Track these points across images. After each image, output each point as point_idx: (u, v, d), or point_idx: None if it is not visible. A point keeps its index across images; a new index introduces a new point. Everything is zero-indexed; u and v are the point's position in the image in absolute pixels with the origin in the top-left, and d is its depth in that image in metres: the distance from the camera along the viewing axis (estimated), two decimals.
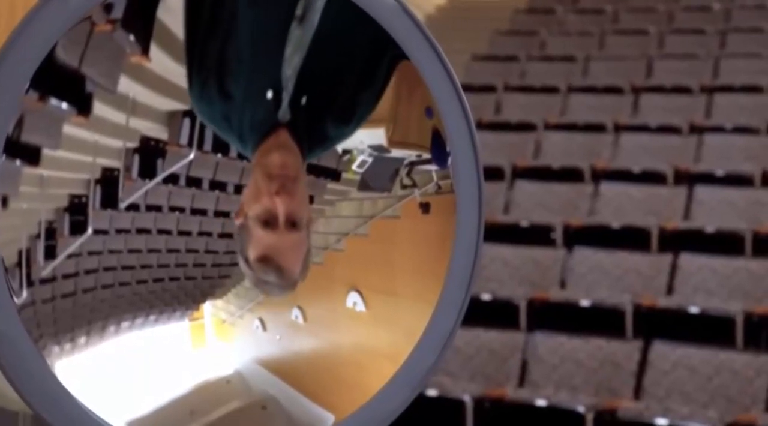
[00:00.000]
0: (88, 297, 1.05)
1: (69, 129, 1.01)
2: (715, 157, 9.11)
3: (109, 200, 1.04)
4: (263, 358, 1.13)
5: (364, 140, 1.09)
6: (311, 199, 1.09)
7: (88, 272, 1.05)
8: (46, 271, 1.01)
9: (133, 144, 1.05)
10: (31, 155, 0.98)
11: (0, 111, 0.92)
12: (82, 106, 1.01)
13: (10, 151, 0.94)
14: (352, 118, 1.07)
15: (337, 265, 1.12)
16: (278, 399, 1.10)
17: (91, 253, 1.04)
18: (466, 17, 13.98)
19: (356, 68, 1.07)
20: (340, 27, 1.05)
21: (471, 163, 1.01)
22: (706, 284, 7.13)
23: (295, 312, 1.12)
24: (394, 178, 1.10)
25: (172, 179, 1.07)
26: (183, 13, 1.03)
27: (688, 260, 7.26)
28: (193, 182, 1.08)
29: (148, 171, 1.06)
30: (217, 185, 1.08)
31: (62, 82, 0.99)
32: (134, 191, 1.05)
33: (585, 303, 6.76)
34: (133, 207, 1.06)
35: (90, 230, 1.03)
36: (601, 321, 6.62)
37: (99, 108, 1.02)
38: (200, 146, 1.07)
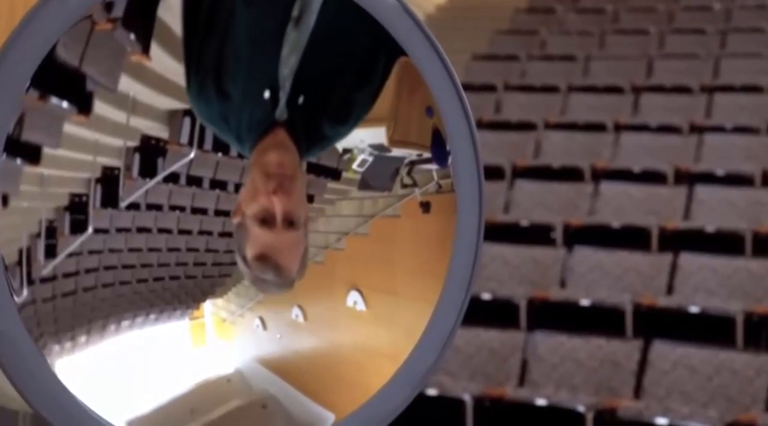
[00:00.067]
0: (88, 296, 1.05)
1: (69, 128, 1.01)
2: (715, 157, 9.10)
3: (110, 199, 1.04)
4: (264, 356, 1.13)
5: (364, 139, 1.09)
6: (311, 198, 1.10)
7: (88, 271, 1.05)
8: (47, 270, 1.01)
9: (134, 143, 1.05)
10: (32, 154, 0.98)
11: (0, 110, 0.92)
12: (83, 104, 1.01)
13: (10, 150, 0.94)
14: (349, 118, 1.07)
15: (338, 264, 1.12)
16: (279, 398, 1.10)
17: (91, 252, 1.04)
18: (467, 17, 13.98)
19: (353, 68, 1.07)
20: (337, 27, 1.05)
21: (471, 163, 1.01)
22: (706, 284, 7.13)
23: (296, 311, 1.12)
24: (395, 177, 1.10)
25: (173, 178, 1.07)
26: (181, 13, 1.04)
27: (688, 260, 7.26)
28: (194, 181, 1.08)
29: (148, 170, 1.06)
30: (217, 184, 1.08)
31: (63, 81, 0.99)
32: (135, 190, 1.05)
33: (585, 302, 6.75)
34: (133, 206, 1.06)
35: (90, 229, 1.03)
36: (601, 320, 6.62)
37: (99, 107, 1.02)
38: (201, 145, 1.07)
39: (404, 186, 1.10)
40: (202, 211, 1.09)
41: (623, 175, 8.69)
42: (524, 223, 8.00)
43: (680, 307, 6.63)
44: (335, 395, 1.07)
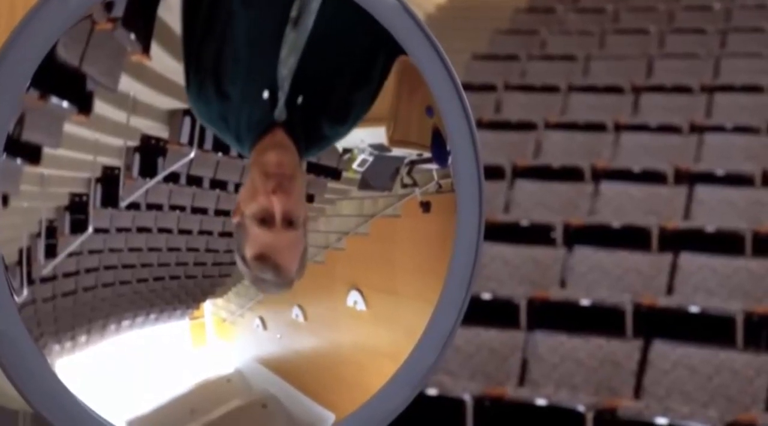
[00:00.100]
0: (88, 295, 1.05)
1: (70, 127, 1.01)
2: (715, 157, 9.10)
3: (110, 199, 1.04)
4: (264, 356, 1.13)
5: (364, 139, 1.09)
6: (312, 198, 1.10)
7: (88, 271, 1.05)
8: (47, 270, 1.01)
9: (134, 142, 1.05)
10: (32, 154, 0.98)
11: (1, 110, 0.92)
12: (83, 104, 1.01)
13: (10, 150, 0.94)
14: (347, 118, 1.08)
15: (338, 263, 1.12)
16: (279, 398, 1.10)
17: (91, 252, 1.04)
18: (467, 16, 13.98)
19: (352, 69, 1.08)
20: (336, 28, 1.05)
21: (471, 162, 1.01)
22: (706, 284, 7.13)
23: (296, 311, 1.12)
24: (395, 176, 1.10)
25: (173, 178, 1.07)
26: (180, 14, 1.04)
27: (689, 260, 7.26)
28: (194, 181, 1.08)
29: (148, 169, 1.06)
30: (217, 184, 1.08)
31: (63, 81, 0.99)
32: (135, 190, 1.05)
33: (585, 302, 6.75)
34: (133, 206, 1.06)
35: (90, 229, 1.03)
36: (601, 320, 6.62)
37: (100, 106, 1.02)
38: (201, 145, 1.07)
39: (404, 186, 1.10)
40: (203, 211, 1.09)
41: (623, 175, 8.69)
42: (524, 222, 8.00)
43: (680, 306, 6.63)
44: (335, 395, 1.07)
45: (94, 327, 1.06)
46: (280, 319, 1.13)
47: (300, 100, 1.06)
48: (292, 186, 1.04)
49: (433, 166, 1.07)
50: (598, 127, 9.85)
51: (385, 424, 0.99)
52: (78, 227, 1.03)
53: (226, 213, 1.08)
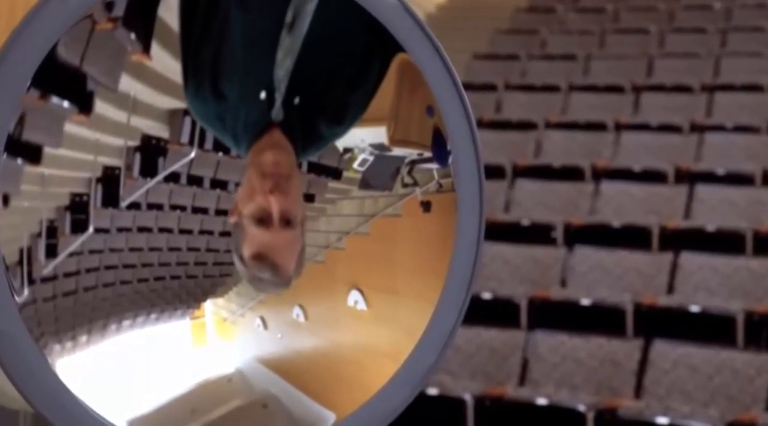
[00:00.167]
0: (89, 295, 1.05)
1: (70, 127, 1.01)
2: (715, 156, 9.10)
3: (111, 199, 1.04)
4: (264, 356, 1.13)
5: (365, 139, 1.09)
6: (312, 198, 1.10)
7: (89, 271, 1.05)
8: (47, 270, 1.01)
9: (135, 142, 1.05)
10: (33, 154, 0.98)
11: (1, 110, 0.92)
12: (84, 104, 1.01)
13: (11, 150, 0.94)
14: (344, 118, 1.08)
15: (339, 263, 1.12)
16: (279, 397, 1.10)
17: (92, 252, 1.04)
18: (467, 16, 13.98)
19: (348, 70, 1.08)
20: (332, 30, 1.06)
21: (472, 162, 1.01)
22: (707, 283, 7.12)
23: (297, 310, 1.12)
24: (396, 176, 1.10)
25: (173, 178, 1.07)
26: (178, 15, 1.04)
27: (689, 259, 7.25)
28: (194, 181, 1.08)
29: (149, 169, 1.06)
30: (218, 184, 1.08)
31: (63, 81, 0.99)
32: (135, 190, 1.05)
33: (585, 302, 6.75)
34: (134, 205, 1.06)
35: (91, 229, 1.04)
36: (601, 320, 6.62)
37: (100, 106, 1.02)
38: (201, 145, 1.07)
39: (405, 185, 1.10)
40: (203, 211, 1.09)
41: (624, 175, 8.68)
42: (525, 222, 8.00)
43: (681, 306, 6.63)
44: (336, 395, 1.07)
45: (94, 327, 1.06)
46: (280, 319, 1.13)
47: (297, 100, 1.06)
48: (289, 186, 1.05)
49: (434, 166, 1.07)
50: (598, 127, 9.85)
51: (385, 423, 0.99)
52: (78, 227, 1.03)
53: (226, 213, 1.08)
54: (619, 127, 9.77)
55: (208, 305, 1.12)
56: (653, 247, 7.63)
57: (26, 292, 0.97)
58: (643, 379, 6.21)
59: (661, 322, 6.56)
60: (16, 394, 0.93)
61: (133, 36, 1.02)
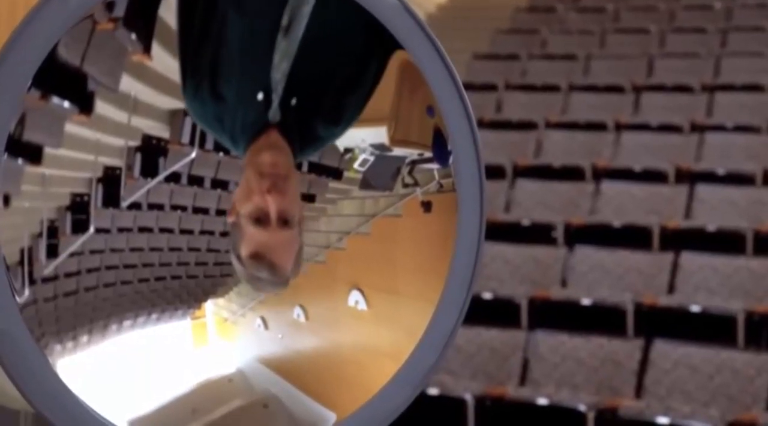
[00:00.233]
0: (90, 295, 1.05)
1: (71, 127, 1.01)
2: (716, 156, 9.10)
3: (111, 199, 1.04)
4: (265, 356, 1.13)
5: (365, 139, 1.09)
6: (313, 198, 1.10)
7: (89, 271, 1.05)
8: (48, 270, 1.01)
9: (135, 142, 1.05)
10: (33, 154, 0.98)
11: (2, 110, 0.92)
12: (84, 104, 1.01)
13: (12, 150, 0.94)
14: (341, 119, 1.08)
15: (339, 263, 1.12)
16: (280, 397, 1.10)
17: (93, 252, 1.04)
18: (467, 16, 13.98)
19: (345, 71, 1.08)
20: (329, 32, 1.06)
21: (472, 162, 1.01)
22: (708, 283, 7.12)
23: (297, 311, 1.12)
24: (396, 176, 1.10)
25: (174, 178, 1.07)
26: (176, 17, 1.04)
27: (690, 259, 7.25)
28: (195, 181, 1.08)
29: (149, 169, 1.06)
30: (218, 184, 1.08)
31: (64, 81, 0.99)
32: (136, 190, 1.06)
33: (586, 302, 6.75)
34: (134, 206, 1.06)
35: (92, 229, 1.04)
36: (602, 320, 6.62)
37: (101, 106, 1.02)
38: (202, 145, 1.07)
39: (405, 185, 1.10)
40: (204, 211, 1.09)
41: (624, 175, 8.68)
42: (525, 222, 8.00)
43: (681, 306, 6.63)
44: (337, 395, 1.07)
45: (95, 327, 1.06)
46: (281, 319, 1.13)
47: (294, 101, 1.06)
48: (286, 186, 1.05)
49: (434, 166, 1.07)
50: (598, 127, 9.85)
51: (386, 423, 0.99)
52: (79, 227, 1.03)
53: (227, 213, 1.08)
54: (620, 127, 9.77)
55: (209, 305, 1.12)
56: (654, 247, 7.63)
57: (27, 292, 0.97)
58: (643, 379, 6.21)
59: (662, 322, 6.56)
60: (16, 394, 0.93)
61: (133, 36, 1.02)
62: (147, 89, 1.04)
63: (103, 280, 1.06)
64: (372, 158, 1.09)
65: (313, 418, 1.08)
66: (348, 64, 1.08)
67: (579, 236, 7.74)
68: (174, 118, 1.06)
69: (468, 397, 5.78)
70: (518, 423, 5.81)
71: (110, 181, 1.04)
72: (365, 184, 1.11)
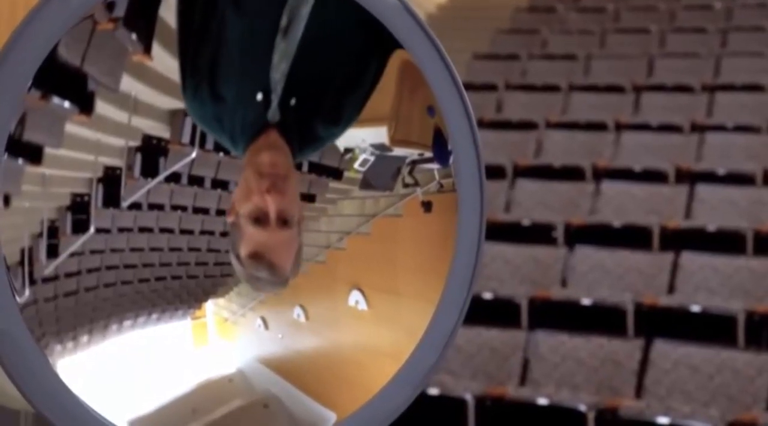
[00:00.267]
0: (90, 295, 1.05)
1: (71, 127, 1.01)
2: (716, 156, 9.10)
3: (111, 199, 1.04)
4: (265, 356, 1.13)
5: (366, 139, 1.09)
6: (313, 198, 1.10)
7: (90, 271, 1.05)
8: (48, 270, 1.01)
9: (136, 142, 1.05)
10: (34, 154, 0.98)
11: (2, 110, 0.92)
12: (85, 104, 1.01)
13: (12, 150, 0.94)
14: (340, 119, 1.08)
15: (339, 263, 1.12)
16: (280, 397, 1.10)
17: (93, 252, 1.04)
18: (468, 16, 13.98)
19: (344, 72, 1.08)
20: (329, 31, 1.06)
21: (473, 162, 1.01)
22: (708, 283, 7.12)
23: (298, 311, 1.12)
24: (396, 176, 1.10)
25: (174, 178, 1.07)
26: (176, 17, 1.04)
27: (690, 259, 7.25)
28: (195, 181, 1.08)
29: (150, 169, 1.06)
30: (219, 184, 1.08)
31: (64, 81, 0.99)
32: (136, 190, 1.06)
33: (586, 301, 6.75)
34: (135, 206, 1.06)
35: (92, 229, 1.04)
36: (602, 320, 6.62)
37: (101, 106, 1.02)
38: (202, 145, 1.07)
39: (406, 185, 1.10)
40: (204, 211, 1.09)
41: (624, 175, 8.68)
42: (525, 222, 8.00)
43: (681, 306, 6.63)
44: (337, 395, 1.07)
45: (95, 327, 1.06)
46: (281, 319, 1.13)
47: (293, 102, 1.06)
48: (286, 185, 1.05)
49: (435, 166, 1.07)
50: (599, 127, 9.85)
51: (386, 423, 0.99)
52: (79, 227, 1.03)
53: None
54: (620, 127, 9.77)
55: (209, 305, 1.12)
56: (654, 247, 7.63)
57: (27, 292, 0.97)
58: (643, 379, 6.21)
59: (662, 322, 6.56)
60: (17, 394, 0.93)
61: (134, 36, 1.02)
62: (147, 89, 1.04)
63: (103, 280, 1.06)
64: (372, 158, 1.09)
65: (313, 418, 1.08)
66: (347, 64, 1.08)
67: (579, 236, 7.74)
68: (174, 118, 1.06)
69: (468, 397, 5.78)
70: (518, 423, 5.81)
71: (110, 181, 1.04)
72: (365, 184, 1.11)
